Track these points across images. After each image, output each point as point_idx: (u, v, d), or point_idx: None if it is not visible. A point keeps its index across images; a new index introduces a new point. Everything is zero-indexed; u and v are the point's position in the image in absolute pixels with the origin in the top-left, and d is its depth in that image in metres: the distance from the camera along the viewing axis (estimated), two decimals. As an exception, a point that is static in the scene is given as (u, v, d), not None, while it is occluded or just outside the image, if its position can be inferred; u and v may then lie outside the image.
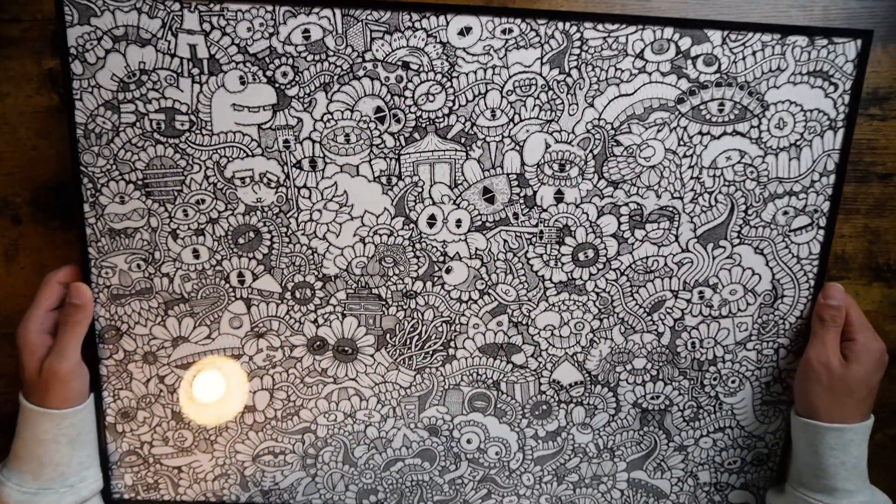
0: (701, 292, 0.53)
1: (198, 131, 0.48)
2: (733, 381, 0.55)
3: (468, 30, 0.47)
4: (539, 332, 0.53)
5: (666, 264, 0.52)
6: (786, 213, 0.51)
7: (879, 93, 0.55)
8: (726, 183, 0.51)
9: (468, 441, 0.56)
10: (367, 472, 0.57)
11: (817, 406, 0.50)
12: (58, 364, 0.48)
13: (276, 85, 0.48)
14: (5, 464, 0.49)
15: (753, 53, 0.48)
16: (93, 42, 0.46)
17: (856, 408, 0.50)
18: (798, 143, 0.50)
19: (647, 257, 0.52)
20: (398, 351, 0.54)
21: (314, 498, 0.57)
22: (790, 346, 0.54)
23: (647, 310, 0.53)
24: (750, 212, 0.51)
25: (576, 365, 0.54)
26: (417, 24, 0.47)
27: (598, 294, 0.53)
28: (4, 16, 0.52)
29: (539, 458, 0.57)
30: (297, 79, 0.48)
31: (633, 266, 0.52)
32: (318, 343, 0.53)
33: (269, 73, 0.48)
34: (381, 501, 0.57)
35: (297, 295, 0.52)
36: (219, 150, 0.49)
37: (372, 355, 0.54)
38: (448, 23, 0.47)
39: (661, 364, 0.54)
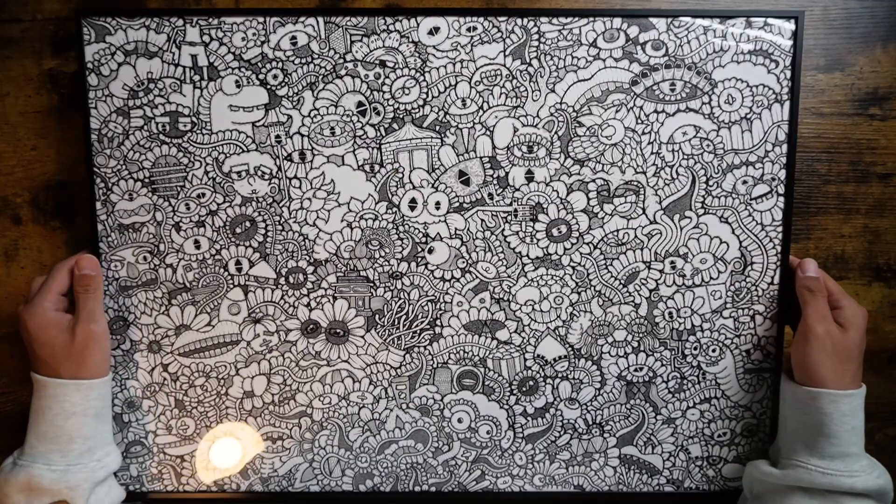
0: (672, 262, 0.58)
1: (199, 131, 0.56)
2: (714, 350, 0.59)
3: (436, 29, 0.55)
4: (520, 308, 0.58)
5: (636, 236, 0.58)
6: (745, 182, 0.57)
7: (879, 93, 0.60)
8: (685, 156, 0.57)
9: (459, 420, 0.60)
10: (362, 455, 0.60)
11: (823, 374, 0.53)
12: (94, 326, 0.53)
13: (268, 86, 0.56)
14: (23, 450, 0.52)
15: (697, 37, 0.55)
16: (107, 57, 0.55)
17: (857, 372, 0.54)
18: (748, 116, 0.56)
19: (617, 230, 0.58)
20: (387, 331, 0.59)
21: (312, 484, 0.61)
22: (765, 312, 0.58)
23: (623, 281, 0.58)
24: (711, 183, 0.57)
25: (558, 339, 0.59)
26: (391, 27, 0.55)
27: (573, 268, 0.58)
28: (4, 16, 0.58)
29: (529, 436, 0.60)
30: (287, 80, 0.56)
31: (605, 239, 0.58)
32: (311, 326, 0.59)
33: (261, 77, 0.56)
34: (377, 486, 0.61)
35: (291, 280, 0.58)
36: (217, 147, 0.56)
37: (363, 336, 0.59)
38: (418, 24, 0.55)
39: (641, 335, 0.59)
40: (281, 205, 0.57)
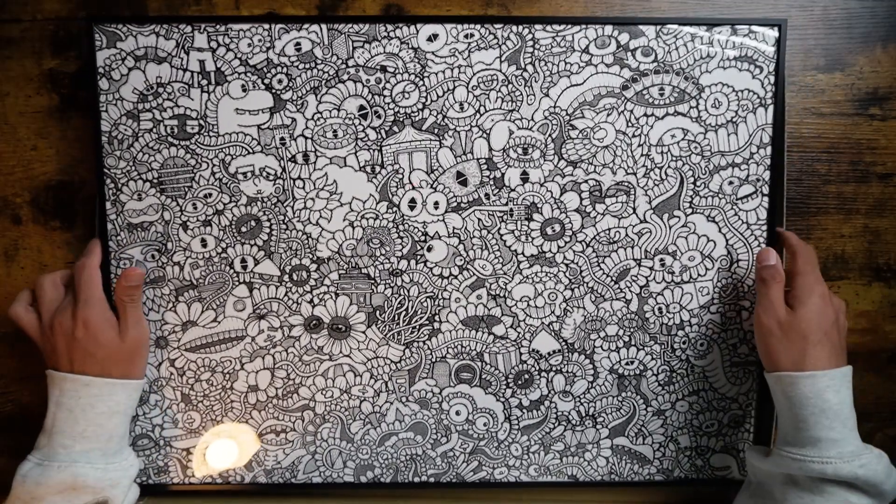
0: (662, 260, 0.61)
1: (206, 133, 0.58)
2: (702, 345, 0.62)
3: (435, 36, 0.58)
4: (516, 304, 0.61)
5: (627, 235, 0.60)
6: (731, 182, 0.60)
7: (879, 93, 0.61)
8: (673, 158, 0.59)
9: (457, 413, 0.63)
10: (363, 447, 0.63)
11: (779, 359, 0.54)
12: (142, 333, 0.56)
13: (273, 90, 0.58)
14: (52, 451, 0.52)
15: (685, 44, 0.58)
16: (118, 62, 0.57)
17: (815, 351, 0.52)
18: (734, 119, 0.59)
19: (608, 229, 0.60)
20: (388, 326, 0.61)
21: (314, 476, 0.63)
22: (751, 307, 0.61)
23: (614, 278, 0.61)
24: (698, 183, 0.60)
25: (552, 334, 0.62)
26: (392, 34, 0.58)
27: (567, 265, 0.61)
28: (4, 16, 0.59)
29: (525, 428, 0.63)
30: (291, 84, 0.58)
31: (597, 238, 0.60)
32: (314, 322, 0.61)
33: (266, 81, 0.58)
34: (378, 477, 0.63)
35: (295, 277, 0.60)
36: (224, 149, 0.59)
37: (364, 332, 0.61)
38: (418, 31, 0.58)
39: (632, 330, 0.62)
40: (285, 204, 0.59)
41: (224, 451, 0.63)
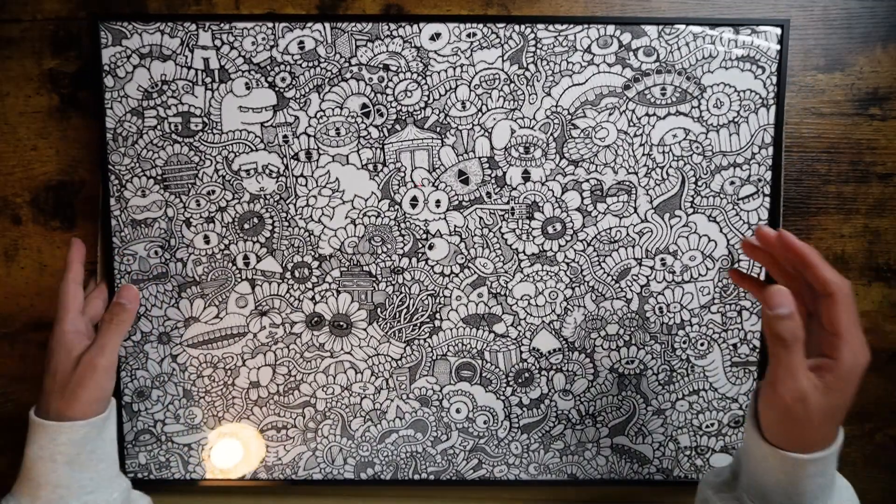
0: (663, 259, 0.61)
1: (209, 131, 0.59)
2: (702, 344, 0.62)
3: (438, 35, 0.58)
4: (517, 302, 0.61)
5: (628, 234, 0.61)
6: (732, 182, 0.60)
7: (879, 93, 0.61)
8: (675, 158, 0.60)
9: (457, 410, 0.63)
10: (363, 444, 0.63)
11: (792, 439, 0.43)
12: (98, 358, 0.50)
13: (276, 88, 0.59)
14: (13, 488, 0.49)
15: (687, 44, 0.59)
16: (123, 59, 0.58)
17: (835, 430, 0.44)
18: (736, 119, 0.59)
19: (609, 228, 0.61)
20: (389, 324, 0.62)
21: (315, 472, 0.64)
22: (751, 308, 0.62)
23: (615, 277, 0.61)
24: (699, 183, 0.60)
25: (553, 333, 0.62)
26: (395, 33, 0.58)
27: (568, 264, 0.61)
28: (4, 16, 0.59)
29: (525, 426, 0.63)
30: (294, 82, 0.59)
31: (598, 237, 0.61)
32: (315, 319, 0.62)
33: (270, 79, 0.59)
34: (378, 474, 0.64)
35: (297, 274, 0.61)
36: (227, 147, 0.59)
37: (365, 329, 0.62)
38: (420, 30, 0.58)
39: (632, 329, 0.62)
40: (287, 202, 0.60)
41: (228, 452, 0.63)
